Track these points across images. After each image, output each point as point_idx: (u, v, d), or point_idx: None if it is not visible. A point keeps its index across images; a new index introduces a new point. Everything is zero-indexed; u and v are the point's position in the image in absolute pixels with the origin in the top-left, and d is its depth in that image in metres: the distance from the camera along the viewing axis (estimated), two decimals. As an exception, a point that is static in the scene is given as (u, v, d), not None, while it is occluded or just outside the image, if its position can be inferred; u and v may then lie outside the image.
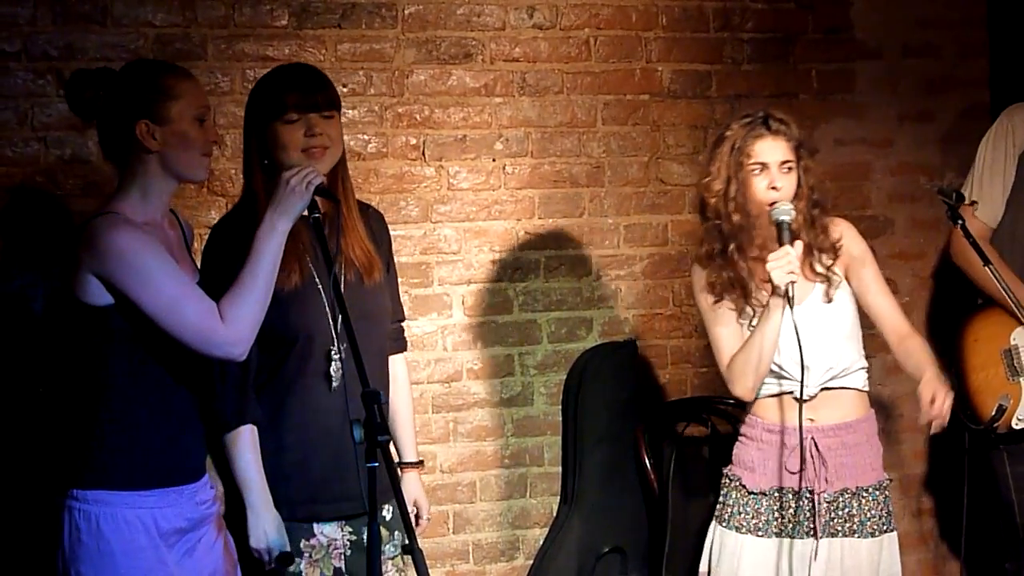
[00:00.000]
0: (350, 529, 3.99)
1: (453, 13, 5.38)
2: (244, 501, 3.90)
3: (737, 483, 4.38)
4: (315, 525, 3.98)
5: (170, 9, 5.04)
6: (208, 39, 5.10)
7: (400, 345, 4.30)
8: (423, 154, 5.35)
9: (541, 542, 5.44)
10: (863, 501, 4.33)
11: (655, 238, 5.65)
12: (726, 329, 4.36)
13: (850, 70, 5.91)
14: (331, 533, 3.99)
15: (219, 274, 3.75)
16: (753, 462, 4.37)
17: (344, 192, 4.04)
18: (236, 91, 5.11)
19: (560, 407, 5.50)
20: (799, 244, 4.24)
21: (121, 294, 3.55)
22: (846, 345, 4.36)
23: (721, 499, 4.42)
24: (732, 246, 4.32)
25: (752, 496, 4.35)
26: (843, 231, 4.41)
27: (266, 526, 3.87)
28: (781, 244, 4.19)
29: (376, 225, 4.20)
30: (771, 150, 4.29)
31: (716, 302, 4.36)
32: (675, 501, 5.36)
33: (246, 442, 3.91)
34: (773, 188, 4.26)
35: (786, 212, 4.22)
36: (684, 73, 5.68)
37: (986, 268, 4.64)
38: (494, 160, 5.44)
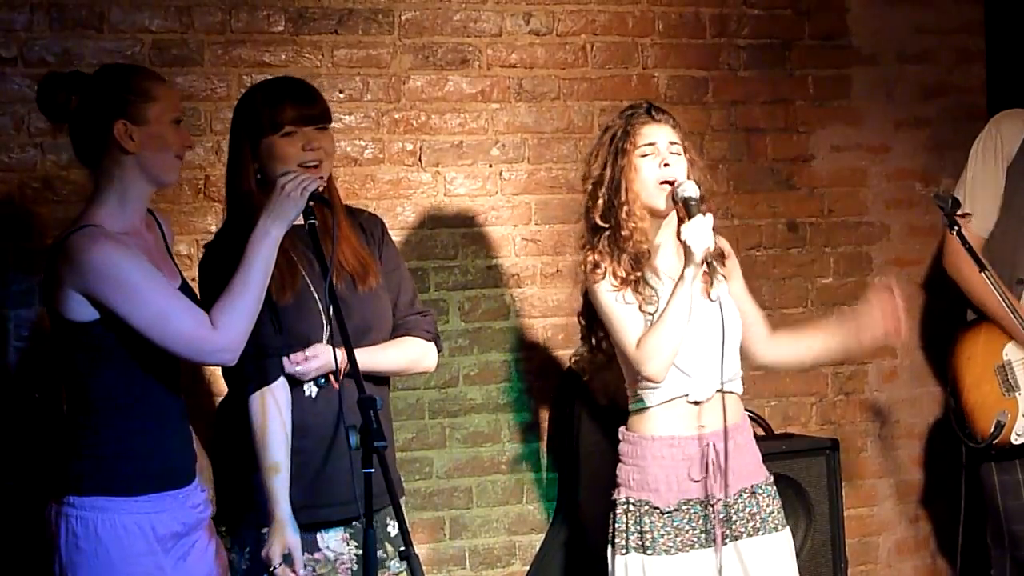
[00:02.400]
0: (356, 544, 3.97)
1: (450, 19, 5.39)
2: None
3: (647, 507, 4.23)
4: (319, 538, 3.97)
5: (167, 15, 5.04)
6: (205, 45, 5.09)
7: (418, 332, 4.17)
8: (420, 160, 5.35)
9: (538, 548, 5.44)
10: (760, 498, 4.31)
11: (651, 244, 5.65)
12: (629, 309, 4.22)
13: (846, 76, 5.92)
14: (337, 548, 3.98)
15: (217, 292, 3.72)
16: (656, 481, 4.25)
17: (332, 199, 4.03)
18: (233, 97, 5.09)
19: (556, 413, 5.50)
20: (710, 216, 4.16)
21: (106, 309, 3.54)
22: (736, 348, 4.32)
23: (631, 528, 4.25)
24: (612, 237, 4.25)
25: (666, 515, 4.23)
26: (727, 246, 4.40)
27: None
28: (691, 217, 4.13)
29: (372, 229, 4.19)
30: (658, 132, 4.27)
31: (616, 290, 4.24)
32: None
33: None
34: (666, 165, 4.23)
35: (691, 188, 4.19)
36: (681, 79, 5.68)
37: (982, 275, 4.63)
38: (491, 166, 5.44)
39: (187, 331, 3.57)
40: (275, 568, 3.84)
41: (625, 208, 4.24)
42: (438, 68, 5.37)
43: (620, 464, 4.32)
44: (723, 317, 4.23)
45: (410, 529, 3.57)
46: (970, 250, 4.63)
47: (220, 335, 3.59)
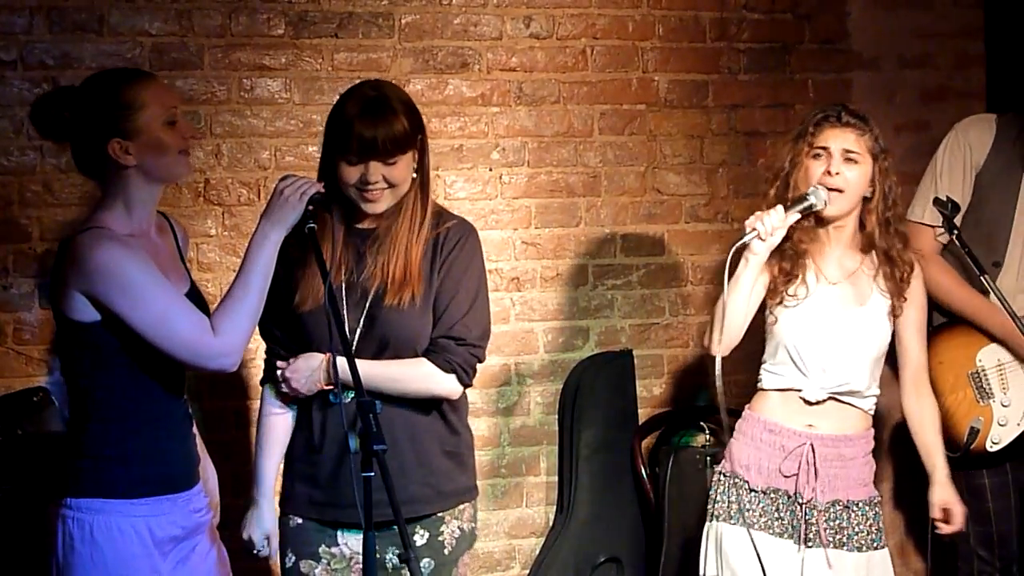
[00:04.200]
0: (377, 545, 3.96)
1: (450, 23, 5.39)
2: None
3: (739, 480, 4.33)
4: (339, 534, 3.98)
5: (166, 18, 5.04)
6: (204, 48, 5.10)
7: (439, 360, 3.96)
8: (420, 163, 5.35)
9: (537, 552, 5.44)
10: (853, 515, 4.32)
11: (652, 248, 5.65)
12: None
13: (847, 80, 5.92)
14: (355, 547, 3.97)
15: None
16: (748, 460, 4.34)
17: (408, 206, 3.96)
18: (232, 100, 5.11)
19: (556, 417, 5.50)
20: (795, 216, 4.21)
21: (108, 310, 3.54)
22: (867, 365, 4.36)
23: (720, 498, 4.36)
24: (792, 236, 4.30)
25: (754, 494, 4.31)
26: (918, 272, 4.43)
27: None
28: (787, 207, 4.21)
29: (447, 240, 4.02)
30: (836, 138, 4.30)
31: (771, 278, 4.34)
32: (671, 511, 5.36)
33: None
34: (828, 173, 4.26)
35: (820, 197, 4.24)
36: (681, 83, 5.68)
37: (983, 278, 4.64)
38: (491, 169, 5.45)
39: (187, 335, 3.56)
40: (259, 551, 4.05)
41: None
42: (438, 72, 5.37)
43: (731, 438, 4.42)
44: (863, 328, 4.33)
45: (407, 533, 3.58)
46: (969, 253, 4.64)
47: (220, 341, 3.59)
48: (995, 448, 4.89)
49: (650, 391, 5.65)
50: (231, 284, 3.64)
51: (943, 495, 4.49)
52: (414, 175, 3.97)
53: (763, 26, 5.79)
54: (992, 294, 4.71)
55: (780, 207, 4.19)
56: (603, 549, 5.40)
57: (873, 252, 4.38)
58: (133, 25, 5.01)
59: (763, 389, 4.39)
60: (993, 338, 4.92)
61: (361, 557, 3.93)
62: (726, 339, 4.24)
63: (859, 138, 4.29)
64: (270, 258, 3.66)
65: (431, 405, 4.01)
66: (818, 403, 4.31)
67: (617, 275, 5.61)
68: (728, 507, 4.33)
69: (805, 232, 4.32)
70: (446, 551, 4.04)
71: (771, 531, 4.30)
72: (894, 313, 4.38)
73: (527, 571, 5.43)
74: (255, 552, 4.04)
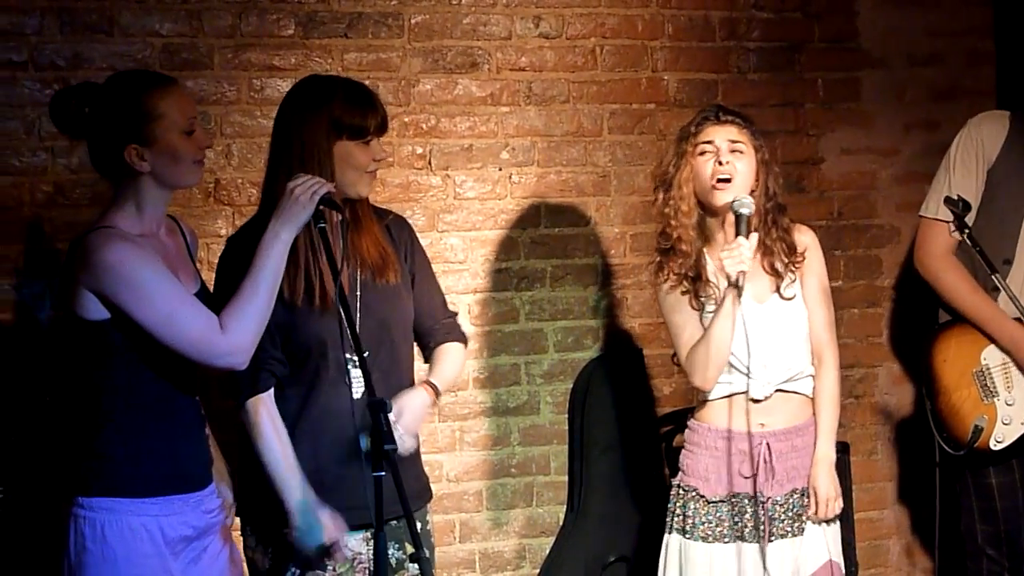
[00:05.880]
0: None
1: (459, 22, 5.39)
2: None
3: (694, 493, 4.38)
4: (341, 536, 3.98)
5: (177, 19, 5.05)
6: (215, 49, 5.10)
7: (455, 336, 4.26)
8: (429, 163, 5.35)
9: (547, 551, 5.44)
10: (808, 498, 4.38)
11: (661, 247, 5.64)
12: (682, 317, 4.37)
13: (856, 79, 5.91)
14: (356, 547, 3.97)
15: (232, 286, 3.73)
16: (707, 471, 4.37)
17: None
18: (243, 100, 5.11)
19: (566, 416, 5.50)
20: (754, 237, 4.27)
21: (117, 308, 3.55)
22: (802, 348, 4.40)
23: (677, 510, 4.41)
24: (682, 236, 4.35)
25: (712, 505, 4.36)
26: (810, 241, 4.47)
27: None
28: (738, 235, 4.24)
29: (399, 232, 4.18)
30: (719, 132, 4.34)
31: (672, 290, 4.37)
32: (681, 510, 5.35)
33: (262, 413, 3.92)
34: (719, 163, 4.30)
35: (747, 205, 4.26)
36: (690, 82, 5.68)
37: (993, 276, 4.64)
38: (500, 169, 5.45)
39: (195, 334, 3.58)
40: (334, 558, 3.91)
41: (675, 208, 4.36)
42: (448, 71, 5.37)
43: (682, 451, 4.48)
44: (784, 317, 4.36)
45: (419, 532, 3.58)
46: (981, 252, 4.63)
47: (228, 339, 3.60)
48: (999, 447, 4.88)
49: (660, 391, 5.65)
50: (241, 283, 3.65)
51: (815, 472, 4.40)
52: None
53: (773, 25, 5.79)
54: (1003, 291, 4.70)
55: (741, 239, 4.22)
56: (613, 548, 5.40)
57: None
58: (143, 26, 5.01)
59: (706, 400, 4.41)
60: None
61: (363, 557, 3.96)
62: (718, 373, 4.32)
63: (740, 131, 4.35)
64: (280, 257, 3.67)
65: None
66: (766, 399, 4.34)
67: (627, 275, 5.61)
68: (684, 520, 4.39)
69: (687, 230, 4.36)
70: (432, 540, 4.21)
71: (729, 538, 4.34)
72: (783, 290, 4.38)
73: (537, 570, 5.43)
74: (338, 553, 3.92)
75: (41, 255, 4.89)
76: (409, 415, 3.98)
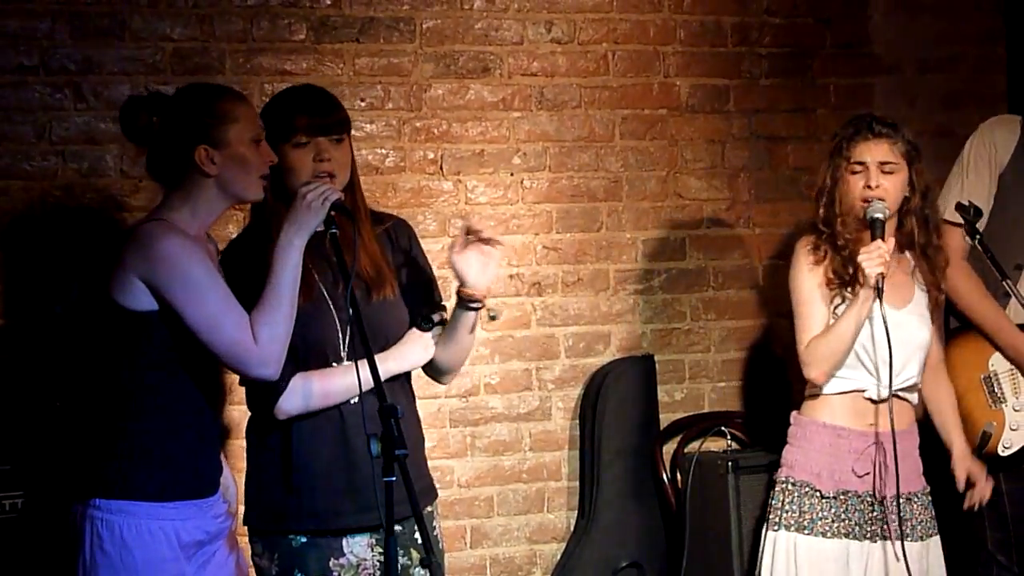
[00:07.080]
0: (380, 549, 3.94)
1: (471, 27, 5.39)
2: None
3: (808, 488, 4.45)
4: (344, 543, 3.94)
5: (188, 23, 5.05)
6: (226, 53, 5.10)
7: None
8: (441, 168, 5.35)
9: (558, 557, 5.43)
10: (914, 506, 4.48)
11: (673, 253, 5.64)
12: (814, 308, 4.46)
13: (868, 85, 5.91)
14: (361, 553, 3.95)
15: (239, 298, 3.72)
16: (820, 467, 4.45)
17: (356, 208, 3.99)
18: (255, 106, 5.10)
19: (578, 422, 5.49)
20: (891, 241, 4.39)
21: (165, 302, 3.56)
22: (922, 358, 4.53)
23: (786, 506, 4.47)
24: (832, 238, 4.46)
25: (826, 500, 4.42)
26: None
27: None
28: (873, 239, 4.34)
29: (399, 236, 4.15)
30: (871, 151, 4.44)
31: (816, 279, 4.47)
32: (693, 516, 5.35)
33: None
34: (867, 187, 4.41)
35: (879, 210, 4.38)
36: (702, 88, 5.68)
37: (1004, 283, 4.64)
38: (512, 174, 5.44)
39: (236, 338, 3.57)
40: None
41: (840, 219, 4.46)
42: (459, 76, 5.37)
43: (787, 446, 4.54)
44: (916, 325, 4.48)
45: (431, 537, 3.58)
46: (992, 259, 4.63)
47: (259, 350, 3.60)
48: (1007, 452, 4.88)
49: (671, 396, 5.64)
50: (262, 294, 3.64)
51: (963, 464, 4.65)
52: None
53: (784, 31, 5.78)
54: (1014, 297, 4.69)
55: (879, 242, 4.33)
56: (624, 554, 5.39)
57: (908, 250, 4.54)
58: (155, 30, 5.01)
59: (818, 395, 4.49)
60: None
61: (368, 564, 3.94)
62: (834, 369, 4.42)
63: (892, 147, 4.45)
64: (296, 263, 3.67)
65: (413, 395, 4.10)
66: (881, 401, 4.41)
67: (638, 280, 5.60)
68: (800, 516, 4.44)
69: (855, 242, 4.46)
70: (441, 546, 4.16)
71: (842, 535, 4.42)
72: (933, 305, 4.55)
73: (548, 576, 5.44)
74: None
75: (51, 260, 4.88)
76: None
